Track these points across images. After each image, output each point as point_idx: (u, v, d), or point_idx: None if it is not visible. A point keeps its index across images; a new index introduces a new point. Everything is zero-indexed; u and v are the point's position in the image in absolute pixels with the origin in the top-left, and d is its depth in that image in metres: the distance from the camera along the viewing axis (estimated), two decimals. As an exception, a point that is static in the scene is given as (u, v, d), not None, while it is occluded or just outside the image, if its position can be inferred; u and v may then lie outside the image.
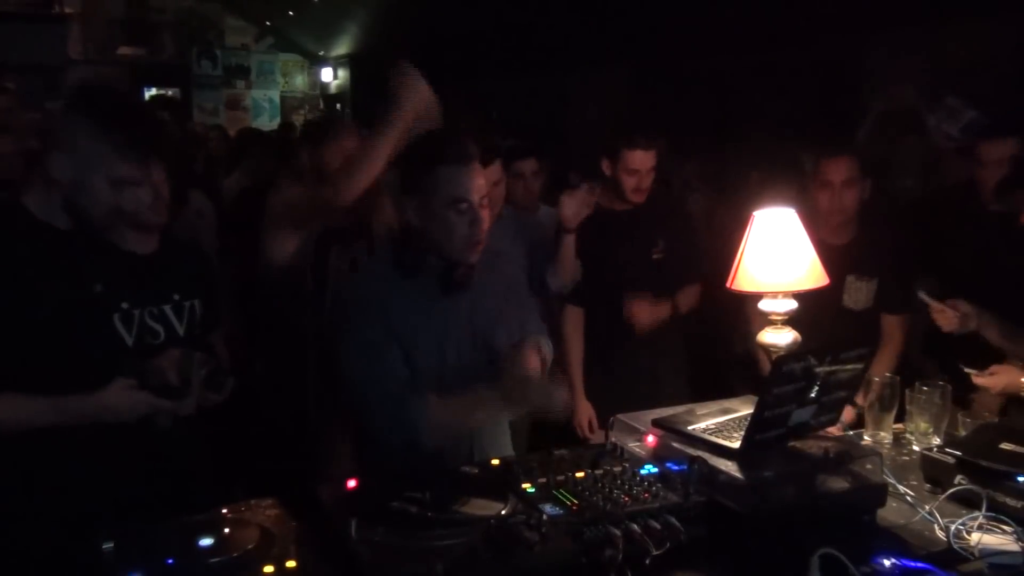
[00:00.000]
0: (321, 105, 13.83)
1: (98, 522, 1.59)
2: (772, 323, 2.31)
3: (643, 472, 1.80)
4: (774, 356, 2.20)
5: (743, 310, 3.04)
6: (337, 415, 2.90)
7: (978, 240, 3.13)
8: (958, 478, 1.92)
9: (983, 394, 2.64)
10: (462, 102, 10.43)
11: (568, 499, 1.66)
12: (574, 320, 3.32)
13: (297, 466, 2.89)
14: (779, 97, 6.27)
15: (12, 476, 1.93)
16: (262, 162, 5.40)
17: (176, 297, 2.13)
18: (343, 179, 2.61)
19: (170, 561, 1.44)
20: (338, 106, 13.21)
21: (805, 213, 2.42)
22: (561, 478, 1.74)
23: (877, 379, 2.37)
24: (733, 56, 6.66)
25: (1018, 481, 1.85)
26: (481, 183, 2.10)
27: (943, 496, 1.89)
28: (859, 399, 2.42)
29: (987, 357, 2.61)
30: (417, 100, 2.62)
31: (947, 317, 2.58)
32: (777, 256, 2.30)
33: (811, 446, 1.89)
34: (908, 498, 1.93)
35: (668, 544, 1.55)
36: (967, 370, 2.57)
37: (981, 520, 1.79)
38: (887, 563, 1.61)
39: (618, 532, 1.53)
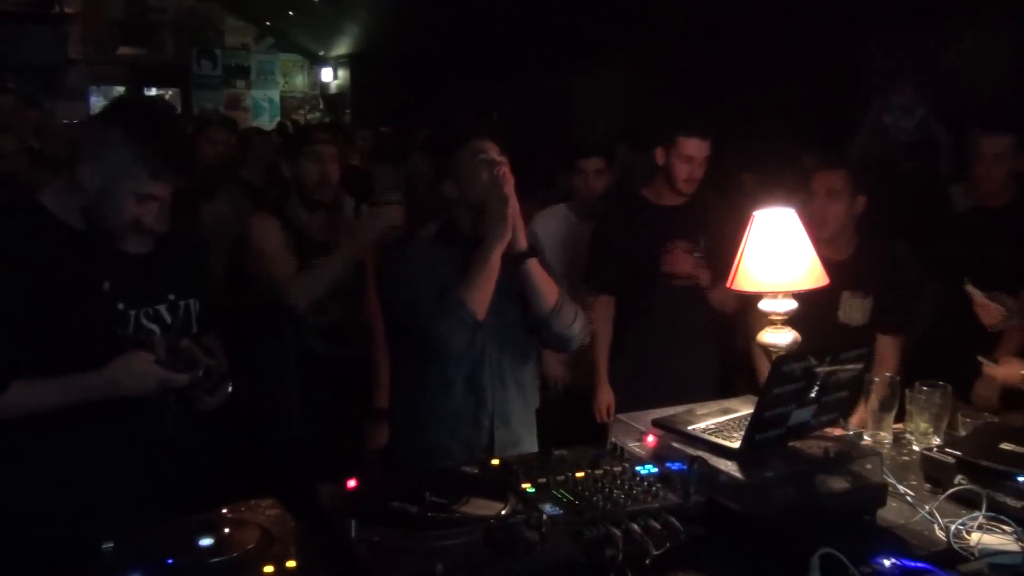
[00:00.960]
0: (321, 105, 13.84)
1: (98, 522, 1.59)
2: (771, 323, 2.31)
3: (643, 472, 1.80)
4: (774, 356, 2.20)
5: (746, 310, 3.03)
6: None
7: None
8: (958, 478, 1.92)
9: (983, 385, 2.64)
10: (462, 102, 10.46)
11: (568, 499, 1.66)
12: (604, 309, 3.30)
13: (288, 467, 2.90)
14: (779, 97, 6.27)
15: (12, 476, 1.93)
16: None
17: (171, 297, 2.15)
18: (301, 284, 2.81)
19: (170, 561, 1.44)
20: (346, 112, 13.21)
21: (805, 221, 2.42)
22: (561, 478, 1.74)
23: (877, 379, 2.37)
24: (733, 56, 6.66)
25: (1018, 481, 1.85)
26: (497, 152, 2.35)
27: (943, 496, 1.89)
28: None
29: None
30: (385, 223, 2.80)
31: (991, 312, 2.57)
32: (777, 256, 2.30)
33: (811, 446, 1.89)
34: (908, 498, 1.93)
35: (668, 544, 1.55)
36: (981, 358, 2.57)
37: (981, 520, 1.79)
38: (887, 563, 1.61)
39: (618, 532, 1.53)
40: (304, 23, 12.65)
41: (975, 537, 1.75)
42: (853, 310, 2.95)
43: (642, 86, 7.93)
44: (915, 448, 2.29)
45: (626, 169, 4.92)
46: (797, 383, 1.81)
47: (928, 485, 2.03)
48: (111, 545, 1.47)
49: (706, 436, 1.92)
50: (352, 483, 1.70)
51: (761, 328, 2.34)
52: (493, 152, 2.34)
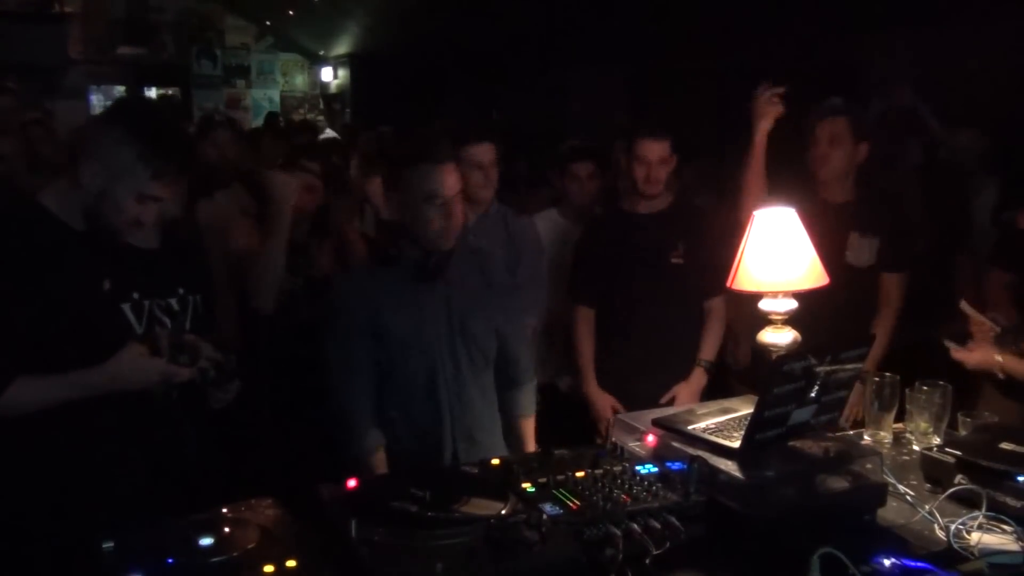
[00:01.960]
0: (321, 104, 13.84)
1: (98, 522, 1.59)
2: (772, 323, 2.31)
3: (643, 472, 1.80)
4: (774, 356, 2.20)
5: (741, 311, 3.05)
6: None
7: None
8: (958, 478, 1.92)
9: (988, 399, 2.64)
10: (462, 102, 10.46)
11: (568, 499, 1.66)
12: (585, 320, 3.31)
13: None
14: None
15: (12, 476, 1.93)
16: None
17: (181, 291, 2.16)
18: (256, 283, 2.92)
19: (170, 560, 1.44)
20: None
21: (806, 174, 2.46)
22: (561, 478, 1.74)
23: (877, 379, 2.37)
24: (733, 56, 6.66)
25: (1018, 481, 1.85)
26: (453, 181, 2.30)
27: (943, 496, 1.89)
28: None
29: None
30: (288, 193, 2.88)
31: (984, 330, 2.58)
32: (777, 256, 2.30)
33: (811, 446, 1.89)
34: (908, 498, 1.93)
35: (668, 543, 1.55)
36: (948, 342, 2.57)
37: (981, 520, 1.79)
38: (887, 563, 1.61)
39: (618, 531, 1.53)
40: (304, 23, 12.64)
41: (975, 537, 1.75)
42: (861, 251, 3.06)
43: (641, 86, 7.93)
44: (915, 448, 2.29)
45: (623, 169, 4.92)
46: (797, 383, 1.81)
47: (928, 485, 2.03)
48: (111, 545, 1.47)
49: (706, 436, 1.92)
50: (352, 483, 1.70)
51: (754, 322, 2.36)
52: (445, 186, 2.28)
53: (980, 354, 2.55)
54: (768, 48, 6.36)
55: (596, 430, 3.22)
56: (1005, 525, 1.77)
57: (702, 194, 4.90)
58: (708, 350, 3.28)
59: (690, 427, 1.97)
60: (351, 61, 12.90)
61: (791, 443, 1.89)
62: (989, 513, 1.80)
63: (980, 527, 1.78)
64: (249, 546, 1.49)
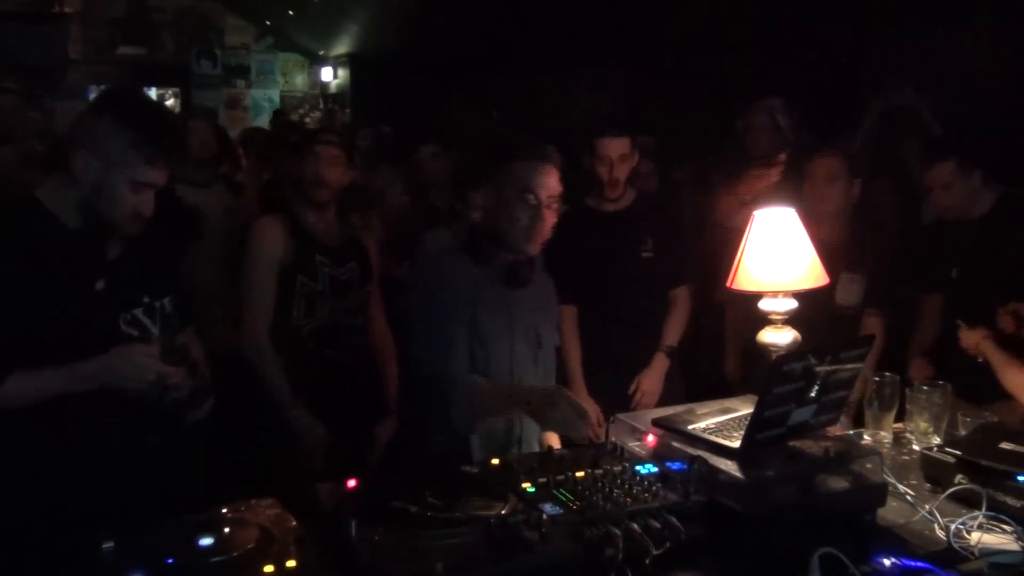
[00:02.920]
0: (321, 105, 13.84)
1: (98, 522, 1.59)
2: (772, 323, 2.31)
3: (643, 471, 1.80)
4: (774, 356, 2.20)
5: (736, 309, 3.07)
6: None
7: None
8: (958, 477, 1.92)
9: (1001, 408, 2.64)
10: (462, 102, 10.44)
11: (568, 499, 1.66)
12: (569, 319, 3.32)
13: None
14: (778, 97, 6.27)
15: (12, 477, 1.93)
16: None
17: (146, 299, 2.11)
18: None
19: (170, 561, 1.44)
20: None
21: (804, 211, 2.46)
22: (561, 478, 1.74)
23: (877, 378, 2.37)
24: (733, 57, 6.66)
25: (1018, 481, 1.86)
26: (553, 184, 2.24)
27: (943, 495, 1.89)
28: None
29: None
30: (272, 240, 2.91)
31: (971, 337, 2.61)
32: (777, 256, 2.30)
33: (811, 446, 1.89)
34: (908, 498, 1.93)
35: (668, 543, 1.55)
36: (960, 322, 2.62)
37: (981, 519, 1.79)
38: (887, 563, 1.61)
39: (618, 531, 1.53)
40: (304, 23, 12.63)
41: (975, 536, 1.75)
42: (850, 291, 3.07)
43: (642, 86, 7.93)
44: (915, 448, 2.29)
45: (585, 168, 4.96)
46: (797, 382, 1.81)
47: (928, 485, 2.04)
48: (111, 545, 1.47)
49: (706, 435, 1.91)
50: (352, 483, 1.70)
51: (739, 314, 2.38)
52: (545, 186, 2.23)
53: (974, 334, 2.58)
54: (768, 49, 6.36)
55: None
56: (1005, 525, 1.78)
57: (694, 192, 4.91)
58: (671, 336, 3.34)
59: (690, 427, 1.97)
60: (351, 61, 12.89)
61: (791, 443, 1.89)
62: (989, 513, 1.80)
63: (980, 527, 1.78)
64: (249, 546, 1.49)
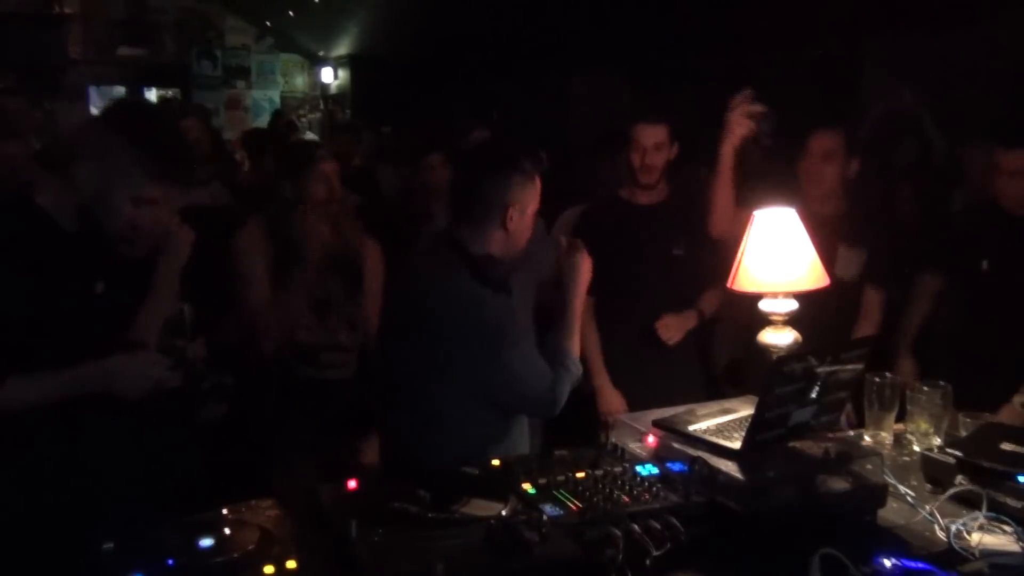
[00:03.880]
0: (321, 105, 13.83)
1: (98, 522, 1.60)
2: (772, 323, 2.31)
3: (643, 472, 1.80)
4: (774, 356, 2.20)
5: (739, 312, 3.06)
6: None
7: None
8: (959, 478, 1.92)
9: (1009, 411, 2.64)
10: (462, 102, 10.44)
11: (568, 499, 1.66)
12: (588, 310, 3.29)
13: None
14: (779, 98, 6.27)
15: (12, 477, 1.93)
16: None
17: None
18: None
19: (170, 562, 1.44)
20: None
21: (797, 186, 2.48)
22: (561, 478, 1.74)
23: (877, 379, 2.37)
24: (733, 57, 6.66)
25: (1018, 481, 1.85)
26: (537, 196, 2.26)
27: (944, 496, 1.89)
28: None
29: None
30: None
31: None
32: (777, 256, 2.30)
33: (811, 446, 1.89)
34: (909, 498, 1.93)
35: (668, 544, 1.55)
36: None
37: (982, 520, 1.79)
38: (888, 563, 1.61)
39: (618, 532, 1.53)
40: (304, 23, 12.63)
41: (976, 537, 1.75)
42: (849, 263, 3.06)
43: (642, 87, 7.93)
44: (916, 448, 2.29)
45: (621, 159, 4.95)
46: (797, 383, 1.81)
47: (929, 485, 2.03)
48: (111, 546, 1.47)
49: (706, 437, 1.92)
50: (352, 483, 1.70)
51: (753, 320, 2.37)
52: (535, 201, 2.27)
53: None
54: (768, 49, 6.37)
55: (597, 423, 3.21)
56: (1005, 526, 1.77)
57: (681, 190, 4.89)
58: (705, 303, 3.28)
59: (690, 428, 1.97)
60: (351, 62, 12.89)
61: (791, 444, 1.89)
62: (990, 514, 1.80)
63: (981, 528, 1.78)
64: (249, 547, 1.49)
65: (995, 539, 1.75)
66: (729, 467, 1.75)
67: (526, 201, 2.22)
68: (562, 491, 1.69)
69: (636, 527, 1.56)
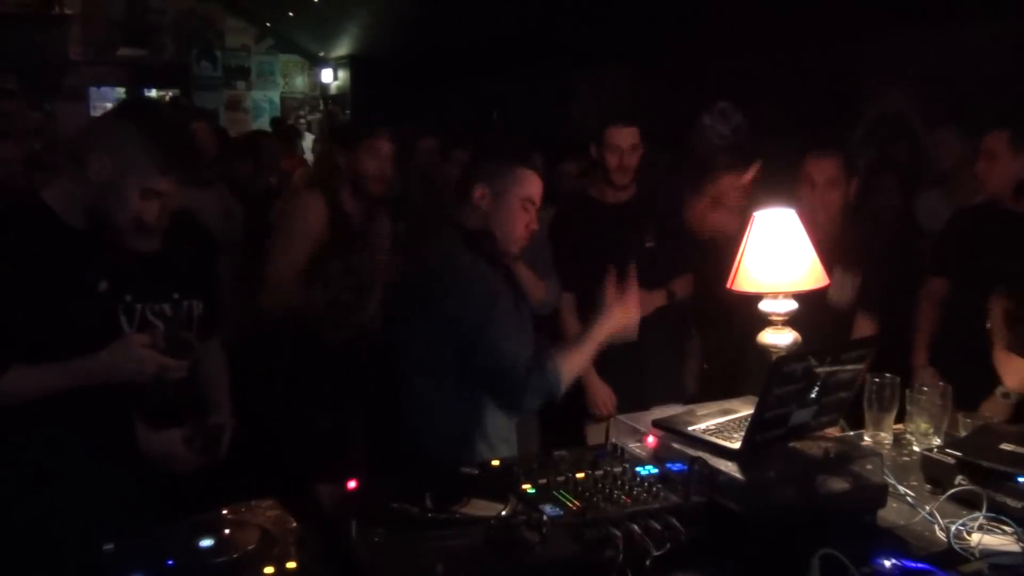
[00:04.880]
0: (321, 106, 13.84)
1: (98, 522, 1.60)
2: (772, 323, 2.31)
3: (643, 473, 1.80)
4: (774, 356, 2.20)
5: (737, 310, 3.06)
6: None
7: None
8: (958, 479, 1.92)
9: (992, 403, 2.64)
10: (462, 102, 10.44)
11: (568, 500, 1.66)
12: (568, 306, 3.36)
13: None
14: (779, 98, 6.27)
15: (12, 477, 1.93)
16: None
17: (176, 296, 2.21)
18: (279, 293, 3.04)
19: (170, 562, 1.44)
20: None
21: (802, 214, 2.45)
22: (561, 479, 1.74)
23: (876, 380, 2.37)
24: (734, 57, 6.66)
25: (1018, 482, 1.85)
26: (540, 192, 2.37)
27: (943, 497, 1.89)
28: None
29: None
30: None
31: None
32: (777, 256, 2.30)
33: (811, 447, 1.89)
34: (908, 499, 1.93)
35: (668, 545, 1.55)
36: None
37: (981, 521, 1.79)
38: (887, 564, 1.61)
39: (618, 533, 1.53)
40: (304, 24, 12.63)
41: (975, 538, 1.75)
42: (844, 288, 3.05)
43: (643, 87, 7.93)
44: (915, 449, 2.29)
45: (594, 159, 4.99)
46: (797, 384, 1.81)
47: (928, 486, 2.03)
48: (111, 546, 1.47)
49: (706, 437, 1.92)
50: (352, 484, 1.70)
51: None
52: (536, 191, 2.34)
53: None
54: (768, 49, 6.37)
55: (586, 415, 3.25)
56: (1005, 526, 1.78)
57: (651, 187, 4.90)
58: (677, 285, 3.40)
59: (690, 428, 1.97)
60: (351, 62, 12.89)
61: (791, 444, 1.89)
62: (989, 514, 1.80)
63: (980, 528, 1.78)
64: (249, 547, 1.49)
65: (995, 539, 1.75)
66: (729, 467, 1.75)
67: (498, 186, 2.31)
68: (562, 491, 1.69)
69: (636, 527, 1.56)
